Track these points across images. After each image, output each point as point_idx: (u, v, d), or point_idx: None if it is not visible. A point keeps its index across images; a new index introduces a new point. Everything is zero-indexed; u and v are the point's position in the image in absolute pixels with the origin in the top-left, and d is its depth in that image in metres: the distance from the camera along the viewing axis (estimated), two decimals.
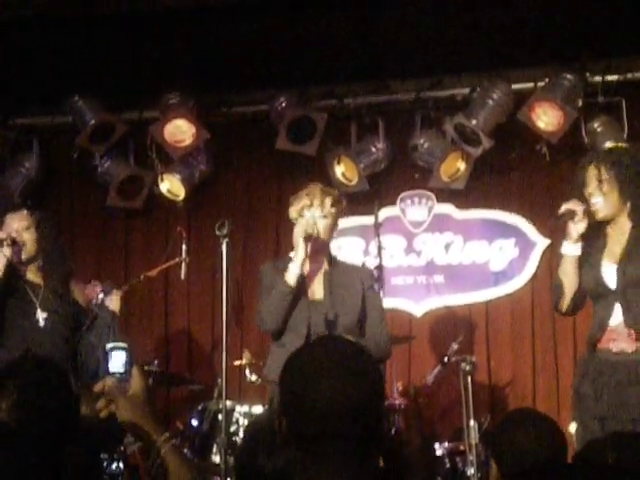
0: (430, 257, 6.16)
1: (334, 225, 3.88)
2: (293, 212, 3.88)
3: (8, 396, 1.68)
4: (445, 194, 6.05)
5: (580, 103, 5.46)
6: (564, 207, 3.48)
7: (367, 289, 3.86)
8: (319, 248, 3.83)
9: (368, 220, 5.58)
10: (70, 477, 1.94)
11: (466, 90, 5.73)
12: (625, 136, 5.46)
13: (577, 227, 3.48)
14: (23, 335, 4.03)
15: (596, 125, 5.51)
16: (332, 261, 3.93)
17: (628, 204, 3.47)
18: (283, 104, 5.82)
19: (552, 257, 5.94)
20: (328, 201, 3.83)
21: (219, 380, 4.28)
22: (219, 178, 6.33)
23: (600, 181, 3.45)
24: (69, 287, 4.25)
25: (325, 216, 3.82)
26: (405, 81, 5.90)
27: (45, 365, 1.95)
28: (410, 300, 6.14)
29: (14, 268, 4.11)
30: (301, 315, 3.76)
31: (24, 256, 4.13)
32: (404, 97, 5.92)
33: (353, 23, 5.29)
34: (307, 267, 3.85)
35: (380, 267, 5.02)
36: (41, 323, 4.07)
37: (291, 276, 3.74)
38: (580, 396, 3.46)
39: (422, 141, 5.87)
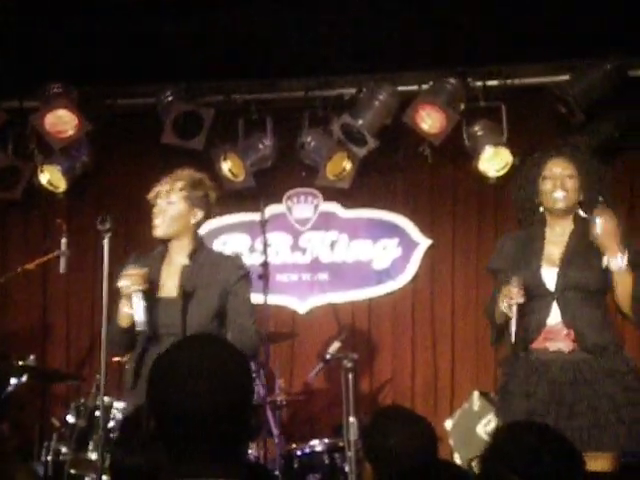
0: (315, 255, 6.20)
1: (190, 209, 3.61)
2: (150, 196, 3.66)
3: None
4: (331, 193, 6.10)
5: (462, 107, 5.60)
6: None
7: (233, 282, 3.61)
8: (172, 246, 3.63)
9: (254, 217, 5.62)
10: None
11: (353, 90, 5.80)
12: (504, 140, 5.63)
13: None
14: None
15: (477, 128, 5.67)
16: (195, 252, 3.64)
17: (578, 206, 3.53)
18: (169, 98, 5.76)
19: (434, 257, 6.09)
20: (178, 185, 3.60)
21: (97, 376, 4.20)
22: (102, 171, 6.21)
23: (568, 177, 3.49)
24: None
25: (172, 202, 3.59)
26: (293, 79, 5.93)
27: None
28: (294, 297, 6.17)
29: None
30: (150, 315, 3.50)
31: None
32: (292, 95, 5.95)
33: (243, 20, 5.28)
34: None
35: (265, 264, 5.06)
36: None
37: (123, 318, 3.51)
38: (506, 395, 3.47)
39: (309, 139, 5.91)
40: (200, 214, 3.64)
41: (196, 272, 3.58)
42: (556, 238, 3.55)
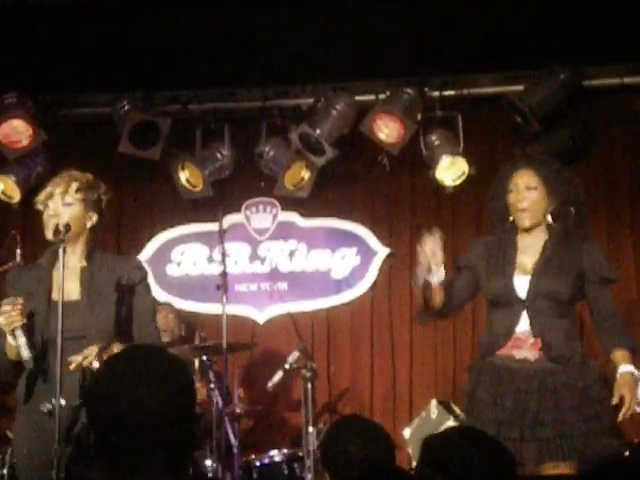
0: (274, 264, 6.19)
1: (86, 212, 3.45)
2: (38, 203, 3.48)
3: None
4: (290, 202, 6.10)
5: (419, 116, 5.64)
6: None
7: (134, 284, 3.45)
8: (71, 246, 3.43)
9: (212, 227, 5.60)
10: None
11: (311, 100, 5.81)
12: (461, 149, 5.68)
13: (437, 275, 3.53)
14: None
15: (434, 138, 5.70)
16: (90, 255, 3.47)
17: (548, 215, 3.57)
18: (126, 107, 5.72)
19: (392, 266, 6.10)
20: (74, 186, 3.45)
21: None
22: None
23: (530, 188, 3.53)
24: None
25: (69, 204, 3.43)
26: (251, 89, 5.92)
27: None
28: (253, 307, 6.15)
29: None
30: (39, 320, 3.34)
31: None
32: (250, 105, 5.94)
33: (200, 29, 5.27)
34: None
35: (224, 274, 5.04)
36: None
37: (11, 351, 3.30)
38: (474, 401, 3.50)
39: (267, 149, 5.90)
40: (95, 217, 3.48)
41: (95, 274, 3.43)
42: (528, 247, 3.58)
